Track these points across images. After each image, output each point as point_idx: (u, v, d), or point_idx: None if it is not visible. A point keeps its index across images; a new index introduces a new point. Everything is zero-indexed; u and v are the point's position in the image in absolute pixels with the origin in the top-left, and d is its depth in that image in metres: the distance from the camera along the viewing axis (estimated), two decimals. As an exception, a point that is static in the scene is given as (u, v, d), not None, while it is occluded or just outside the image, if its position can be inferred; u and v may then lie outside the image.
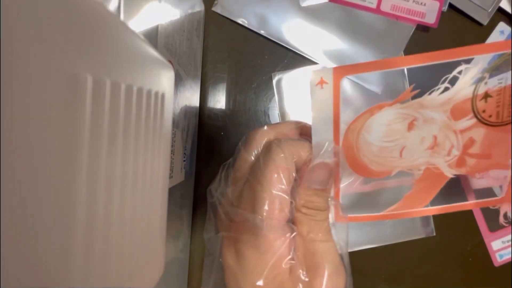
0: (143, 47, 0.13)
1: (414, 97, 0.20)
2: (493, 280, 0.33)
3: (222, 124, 0.31)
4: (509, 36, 0.31)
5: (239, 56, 0.31)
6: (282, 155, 0.20)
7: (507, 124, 0.20)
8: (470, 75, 0.19)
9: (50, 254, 0.07)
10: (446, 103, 0.20)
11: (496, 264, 0.33)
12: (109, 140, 0.10)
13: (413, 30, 0.30)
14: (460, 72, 0.19)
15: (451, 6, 0.31)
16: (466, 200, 0.25)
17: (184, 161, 0.25)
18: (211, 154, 0.31)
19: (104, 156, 0.09)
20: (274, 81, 0.31)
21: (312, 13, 0.30)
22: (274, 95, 0.31)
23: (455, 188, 0.23)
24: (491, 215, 0.32)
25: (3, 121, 0.06)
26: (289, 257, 0.20)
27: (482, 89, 0.20)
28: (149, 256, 0.14)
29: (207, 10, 0.31)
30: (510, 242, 0.32)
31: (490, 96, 0.20)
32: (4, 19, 0.06)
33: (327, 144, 0.21)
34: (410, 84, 0.31)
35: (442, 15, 0.30)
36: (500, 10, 0.31)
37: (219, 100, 0.31)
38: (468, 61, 0.19)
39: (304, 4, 0.30)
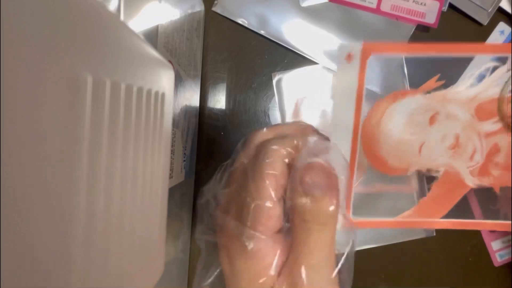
0: (143, 47, 0.13)
1: (438, 89, 0.19)
2: (493, 280, 0.33)
3: (222, 124, 0.31)
4: (509, 36, 0.31)
5: (239, 56, 0.31)
6: (268, 160, 0.19)
7: None
8: (498, 74, 0.18)
9: (49, 254, 0.07)
10: (471, 100, 0.19)
11: (496, 264, 0.33)
12: (109, 140, 0.10)
13: (413, 30, 0.30)
14: (488, 70, 0.18)
15: (451, 6, 0.31)
16: (473, 216, 0.23)
17: (184, 161, 0.25)
18: (211, 154, 0.31)
19: (104, 156, 0.09)
20: (274, 81, 0.31)
21: (312, 13, 0.30)
22: (274, 95, 0.31)
23: (462, 201, 0.22)
24: (491, 215, 0.32)
25: (3, 122, 0.06)
26: (273, 274, 0.19)
27: (509, 91, 0.18)
28: (149, 256, 0.14)
29: (207, 10, 0.31)
30: (510, 242, 0.32)
31: None
32: (4, 20, 0.06)
33: (315, 139, 0.19)
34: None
35: (442, 15, 0.30)
36: (500, 10, 0.31)
37: (219, 100, 0.31)
38: (499, 60, 0.18)
39: (304, 4, 0.30)
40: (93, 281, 0.09)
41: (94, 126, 0.09)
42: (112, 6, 0.15)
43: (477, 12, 0.31)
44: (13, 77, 0.06)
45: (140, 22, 0.17)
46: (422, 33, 0.31)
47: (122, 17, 0.15)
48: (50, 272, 0.07)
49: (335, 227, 0.18)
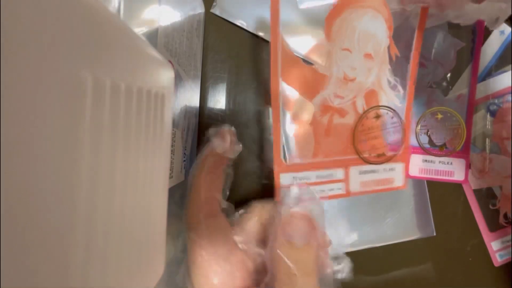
0: (143, 47, 0.13)
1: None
2: (493, 280, 0.33)
3: (222, 124, 0.31)
4: (509, 36, 0.31)
5: (239, 56, 0.31)
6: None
7: None
8: None
9: (49, 254, 0.07)
10: None
11: (496, 264, 0.33)
12: (109, 141, 0.10)
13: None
14: None
15: (451, 6, 0.31)
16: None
17: (184, 161, 0.25)
18: (211, 154, 0.31)
19: (104, 156, 0.09)
20: (274, 82, 0.31)
21: (310, 15, 0.30)
22: (274, 95, 0.31)
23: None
24: (491, 215, 0.32)
25: (3, 122, 0.06)
26: None
27: None
28: (149, 256, 0.14)
29: (207, 11, 0.31)
30: (510, 242, 0.32)
31: None
32: (5, 20, 0.06)
33: (296, 189, 0.20)
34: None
35: (442, 15, 0.30)
36: (500, 10, 0.31)
37: (219, 100, 0.31)
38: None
39: (302, 6, 0.30)
40: (93, 281, 0.09)
41: (94, 126, 0.09)
42: (112, 7, 0.15)
43: (477, 12, 0.31)
44: (13, 78, 0.06)
45: (140, 22, 0.17)
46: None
47: (122, 17, 0.15)
48: (50, 272, 0.07)
49: (317, 275, 0.18)
